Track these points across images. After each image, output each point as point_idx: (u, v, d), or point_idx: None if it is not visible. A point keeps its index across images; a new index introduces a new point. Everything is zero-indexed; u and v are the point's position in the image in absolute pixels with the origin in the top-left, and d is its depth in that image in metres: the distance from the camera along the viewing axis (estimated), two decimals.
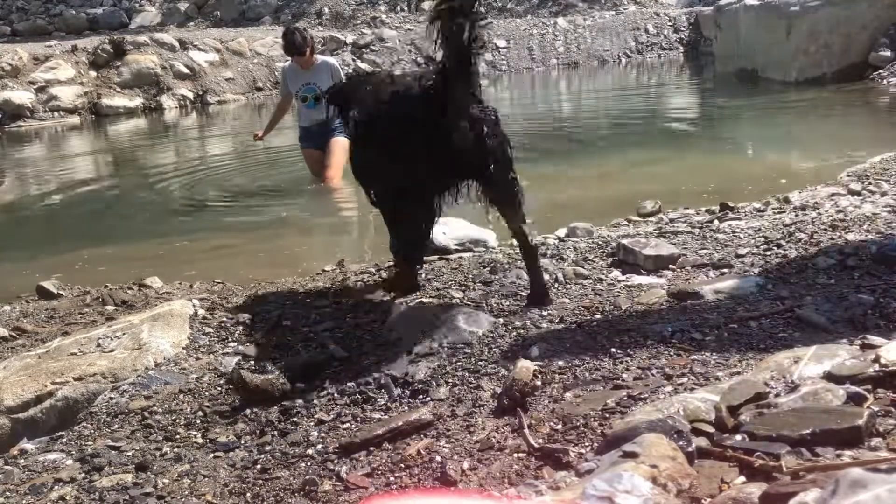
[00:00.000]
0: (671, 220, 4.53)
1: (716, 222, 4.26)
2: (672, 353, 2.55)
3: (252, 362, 3.01)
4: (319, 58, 7.31)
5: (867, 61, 11.63)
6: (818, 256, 3.33)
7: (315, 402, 2.62)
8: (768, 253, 3.53)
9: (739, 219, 4.31)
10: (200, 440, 2.52)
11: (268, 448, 2.38)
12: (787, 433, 1.70)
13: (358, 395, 2.61)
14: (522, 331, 2.93)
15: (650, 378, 2.38)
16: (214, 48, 16.82)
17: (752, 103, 11.40)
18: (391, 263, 4.03)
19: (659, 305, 3.04)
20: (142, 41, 16.19)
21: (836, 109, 10.22)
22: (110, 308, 3.95)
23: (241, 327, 3.39)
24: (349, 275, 4.03)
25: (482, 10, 2.88)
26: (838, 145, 7.71)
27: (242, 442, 2.46)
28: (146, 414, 2.72)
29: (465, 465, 2.04)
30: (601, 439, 1.97)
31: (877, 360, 2.00)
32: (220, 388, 2.84)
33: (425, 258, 3.81)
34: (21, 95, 14.48)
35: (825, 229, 3.74)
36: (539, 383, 2.40)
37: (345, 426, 2.43)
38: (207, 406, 2.72)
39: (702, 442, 1.79)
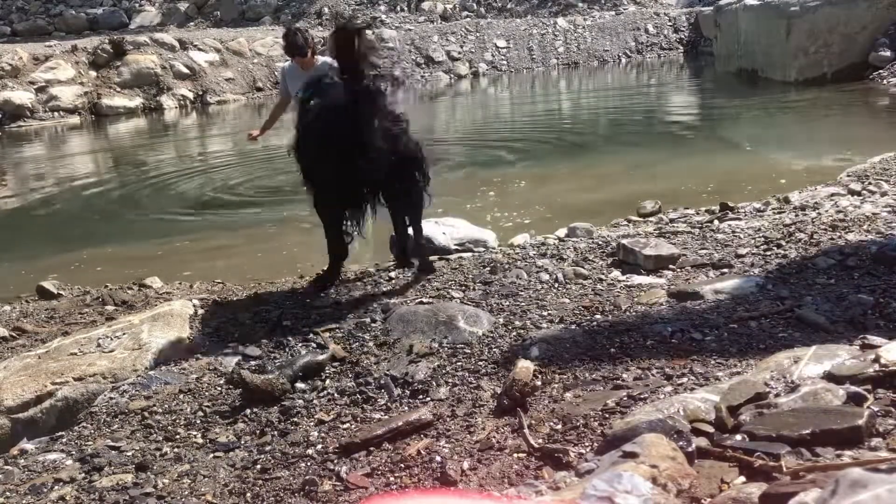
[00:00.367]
0: (671, 220, 4.54)
1: (716, 222, 4.26)
2: (672, 353, 2.55)
3: (252, 362, 3.01)
4: (320, 58, 7.30)
5: (867, 61, 11.64)
6: (818, 256, 3.33)
7: (315, 402, 2.62)
8: (768, 253, 3.53)
9: (739, 219, 4.31)
10: (200, 440, 2.51)
11: (268, 448, 2.38)
12: (787, 433, 1.70)
13: (358, 395, 2.61)
14: (522, 331, 2.93)
15: (650, 378, 2.38)
16: (214, 48, 16.82)
17: (752, 103, 11.40)
18: (392, 262, 4.05)
19: (659, 305, 3.04)
20: (142, 41, 16.18)
21: (835, 109, 10.22)
22: (110, 308, 3.95)
23: (241, 327, 3.39)
24: (349, 274, 4.02)
25: (372, 36, 3.46)
26: (838, 145, 7.72)
27: (242, 442, 2.46)
28: (146, 414, 2.72)
29: (465, 465, 2.04)
30: (601, 439, 1.97)
31: (877, 360, 2.00)
32: (220, 388, 2.84)
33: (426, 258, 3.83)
34: (21, 95, 14.47)
35: (825, 229, 3.74)
36: (539, 383, 2.40)
37: (345, 426, 2.43)
38: (207, 406, 2.72)
39: (702, 442, 1.79)
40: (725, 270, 3.39)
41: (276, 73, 15.64)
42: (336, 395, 2.64)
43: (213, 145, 12.15)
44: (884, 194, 4.43)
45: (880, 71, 11.38)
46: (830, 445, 1.65)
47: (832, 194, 4.63)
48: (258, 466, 2.28)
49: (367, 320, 3.24)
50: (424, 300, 3.37)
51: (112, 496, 2.23)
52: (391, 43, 17.82)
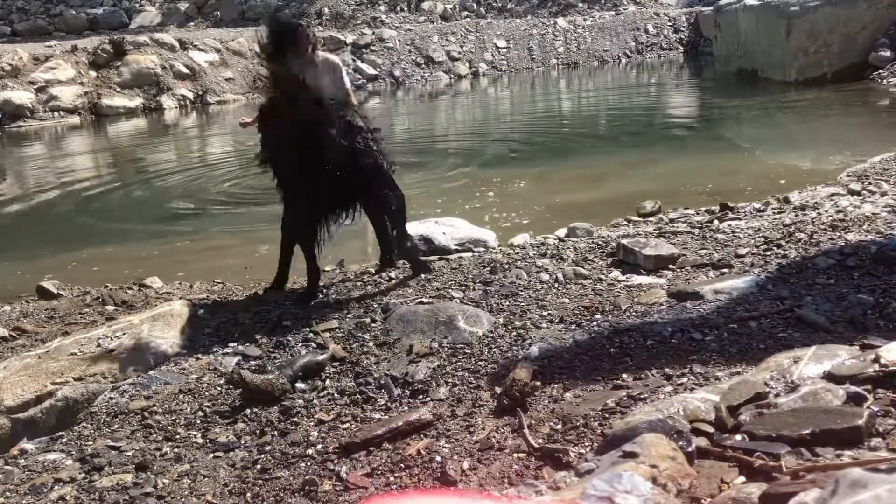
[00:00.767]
0: (671, 220, 4.53)
1: (716, 222, 4.26)
2: (672, 353, 2.55)
3: (252, 362, 3.01)
4: (321, 54, 7.30)
5: (867, 61, 11.63)
6: (818, 256, 3.33)
7: (315, 402, 2.62)
8: (768, 253, 3.53)
9: (739, 219, 4.31)
10: (200, 440, 2.51)
11: (268, 448, 2.38)
12: (787, 433, 1.70)
13: (358, 395, 2.61)
14: (522, 331, 2.93)
15: (650, 378, 2.38)
16: (214, 48, 16.81)
17: (752, 103, 11.40)
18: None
19: (659, 305, 3.04)
20: (142, 41, 16.17)
21: (835, 109, 10.22)
22: (110, 308, 3.95)
23: (240, 327, 3.39)
24: (349, 275, 4.02)
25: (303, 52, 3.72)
26: (838, 145, 7.71)
27: (242, 442, 2.46)
28: (146, 414, 2.72)
29: (465, 465, 2.04)
30: (601, 439, 1.97)
31: (877, 360, 2.00)
32: (220, 388, 2.84)
33: (426, 258, 3.83)
34: (21, 95, 14.46)
35: (825, 229, 3.74)
36: (539, 383, 2.40)
37: (345, 426, 2.43)
38: (207, 406, 2.72)
39: (702, 442, 1.79)
40: (725, 270, 3.39)
41: None
42: (336, 395, 2.65)
43: (213, 145, 12.15)
44: (884, 194, 4.43)
45: (880, 71, 11.37)
46: (830, 445, 1.65)
47: (832, 194, 4.63)
48: (258, 466, 2.28)
49: (367, 320, 3.24)
50: (424, 300, 3.37)
51: (112, 496, 2.23)
52: (391, 43, 17.82)
